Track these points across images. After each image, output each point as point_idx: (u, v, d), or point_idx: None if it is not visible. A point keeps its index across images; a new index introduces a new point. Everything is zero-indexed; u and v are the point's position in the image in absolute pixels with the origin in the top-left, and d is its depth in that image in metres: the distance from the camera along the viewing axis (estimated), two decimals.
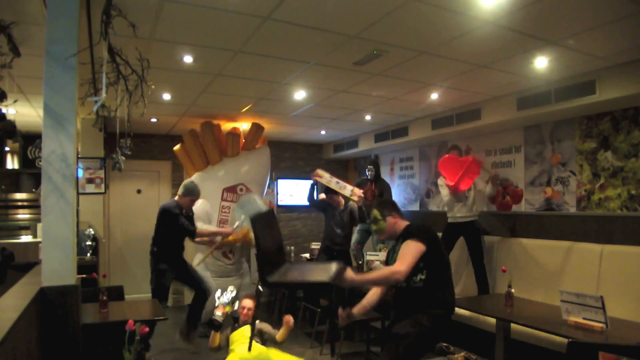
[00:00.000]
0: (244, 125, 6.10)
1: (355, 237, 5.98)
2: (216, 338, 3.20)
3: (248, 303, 3.37)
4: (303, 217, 7.86)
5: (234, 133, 5.52)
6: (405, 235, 2.72)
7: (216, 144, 5.46)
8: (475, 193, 4.91)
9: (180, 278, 4.62)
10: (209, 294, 4.57)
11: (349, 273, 2.33)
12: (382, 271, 2.57)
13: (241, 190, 5.39)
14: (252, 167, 5.52)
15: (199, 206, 5.06)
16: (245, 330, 3.19)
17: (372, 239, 6.01)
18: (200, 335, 4.97)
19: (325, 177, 5.23)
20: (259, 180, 5.61)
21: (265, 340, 3.29)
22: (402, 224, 2.87)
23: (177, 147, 5.77)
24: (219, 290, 3.41)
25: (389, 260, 2.88)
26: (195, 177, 5.34)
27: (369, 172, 5.91)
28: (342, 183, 5.13)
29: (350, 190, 5.08)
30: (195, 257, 5.37)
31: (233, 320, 3.40)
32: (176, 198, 4.57)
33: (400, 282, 2.54)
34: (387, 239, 2.98)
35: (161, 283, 4.41)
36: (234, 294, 3.37)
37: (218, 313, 3.20)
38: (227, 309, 3.28)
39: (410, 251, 2.55)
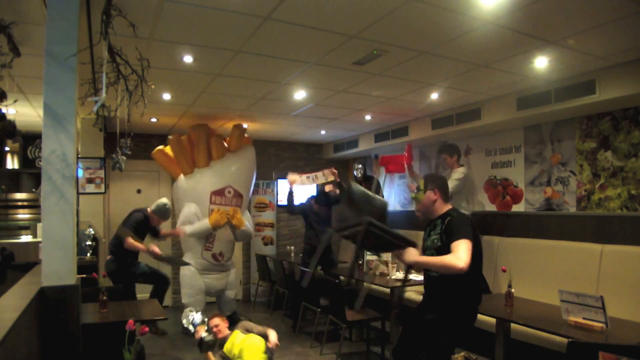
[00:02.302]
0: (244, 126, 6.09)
1: None
2: (211, 358, 3.20)
3: (216, 321, 3.36)
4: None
5: (217, 135, 5.42)
6: (452, 227, 2.61)
7: (206, 148, 5.36)
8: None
9: (136, 279, 4.98)
10: (168, 282, 5.22)
11: (415, 251, 2.53)
12: (445, 258, 2.51)
13: (229, 192, 5.32)
14: (238, 168, 5.44)
15: (188, 211, 5.19)
16: (234, 338, 3.20)
17: None
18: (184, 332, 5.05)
19: (298, 179, 5.42)
20: (245, 182, 5.55)
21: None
22: (443, 206, 2.77)
23: (155, 151, 5.47)
24: (185, 318, 3.41)
25: (426, 241, 2.80)
26: (183, 182, 5.31)
27: (357, 172, 6.06)
28: (312, 175, 5.38)
29: (322, 176, 5.30)
30: (185, 255, 5.37)
31: (209, 343, 3.33)
32: (148, 209, 5.11)
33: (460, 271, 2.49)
34: (422, 213, 2.87)
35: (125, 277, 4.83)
36: (199, 314, 3.42)
37: (203, 334, 3.23)
38: (202, 327, 3.32)
39: (468, 248, 2.50)
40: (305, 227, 5.85)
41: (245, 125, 5.93)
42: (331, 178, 5.24)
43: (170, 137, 5.35)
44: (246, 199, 5.57)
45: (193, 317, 3.32)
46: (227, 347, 3.17)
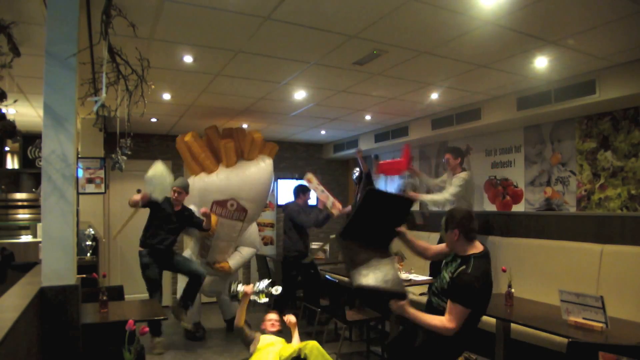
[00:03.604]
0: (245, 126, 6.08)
1: None
2: (243, 313, 3.13)
3: (274, 316, 3.28)
4: None
5: (227, 142, 5.04)
6: (459, 281, 2.49)
7: (210, 153, 5.08)
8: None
9: (168, 268, 4.77)
10: (203, 277, 4.77)
11: (407, 304, 2.54)
12: (434, 321, 2.49)
13: (232, 205, 4.93)
14: (246, 181, 5.00)
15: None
16: (273, 344, 3.08)
17: None
18: (191, 338, 5.00)
19: (314, 183, 5.40)
20: (254, 196, 5.06)
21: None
22: (467, 246, 2.61)
23: (179, 140, 5.21)
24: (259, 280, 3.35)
25: (442, 270, 2.73)
26: (193, 182, 5.10)
27: (355, 172, 6.15)
28: (327, 193, 5.37)
29: (331, 203, 5.30)
30: (184, 252, 5.36)
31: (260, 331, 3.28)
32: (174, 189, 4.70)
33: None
34: (450, 249, 2.80)
35: (146, 276, 4.56)
36: (272, 288, 3.34)
37: (240, 288, 3.18)
38: (261, 296, 3.24)
39: (460, 314, 2.45)
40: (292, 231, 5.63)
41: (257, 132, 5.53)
42: (334, 211, 5.30)
43: (177, 138, 5.22)
44: (253, 213, 5.22)
45: (261, 284, 3.30)
46: (263, 342, 3.06)
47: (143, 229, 4.71)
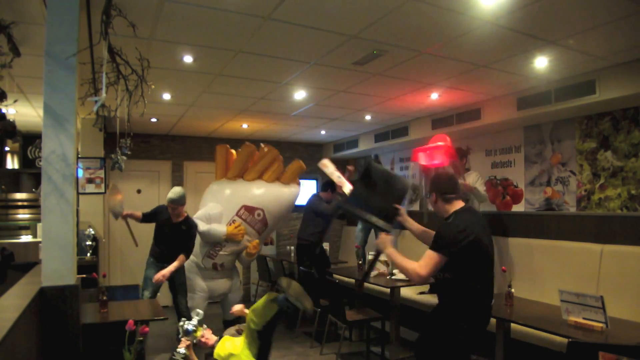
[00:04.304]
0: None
1: (357, 237, 6.04)
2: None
3: (200, 332, 3.11)
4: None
5: (279, 161, 5.39)
6: (436, 232, 2.59)
7: (266, 167, 5.34)
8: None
9: (170, 282, 4.58)
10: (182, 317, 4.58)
11: (388, 239, 2.67)
12: (408, 264, 2.52)
13: (258, 215, 5.19)
14: (278, 199, 5.33)
15: (213, 208, 5.07)
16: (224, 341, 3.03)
17: (357, 238, 6.05)
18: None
19: (330, 168, 5.34)
20: (277, 215, 5.40)
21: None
22: (447, 206, 2.66)
23: (221, 146, 5.45)
24: (182, 320, 3.13)
25: None
26: (224, 183, 5.27)
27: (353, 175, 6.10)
28: (343, 179, 5.28)
29: (349, 189, 5.21)
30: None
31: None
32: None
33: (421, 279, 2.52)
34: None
35: (146, 273, 4.53)
36: (200, 316, 3.15)
37: (182, 351, 2.94)
38: (197, 334, 3.05)
39: (431, 259, 2.47)
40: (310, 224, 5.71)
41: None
42: (344, 184, 5.25)
43: (246, 143, 5.27)
44: (270, 230, 5.49)
45: (186, 326, 3.17)
46: (217, 352, 3.02)
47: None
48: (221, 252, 5.03)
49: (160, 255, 4.52)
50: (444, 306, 2.63)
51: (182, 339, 3.00)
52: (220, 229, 4.93)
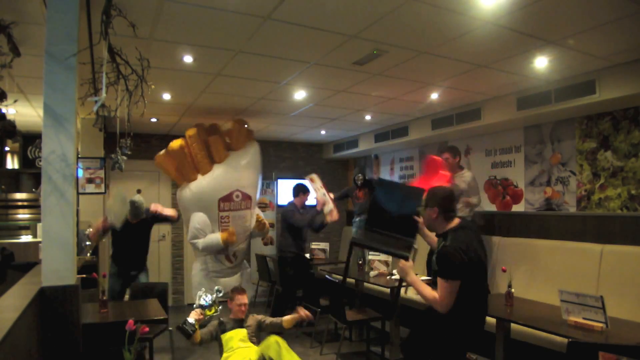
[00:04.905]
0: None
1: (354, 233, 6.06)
2: (197, 335, 2.99)
3: (244, 299, 3.20)
4: None
5: (215, 136, 5.11)
6: (440, 257, 2.51)
7: (206, 152, 5.09)
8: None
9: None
10: None
11: (408, 265, 2.69)
12: (429, 294, 2.51)
13: (237, 196, 5.07)
14: (243, 169, 5.15)
15: (197, 222, 5.04)
16: (241, 334, 3.08)
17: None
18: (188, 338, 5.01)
19: (317, 183, 5.30)
20: (253, 182, 5.26)
21: (264, 329, 3.20)
22: (445, 223, 2.61)
23: (157, 157, 5.23)
24: (202, 289, 3.18)
25: (430, 262, 2.85)
26: (188, 190, 5.10)
27: (358, 180, 6.09)
28: (328, 198, 5.19)
29: (329, 209, 5.06)
30: (193, 266, 5.35)
31: (219, 322, 3.18)
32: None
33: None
34: (427, 227, 2.84)
35: (109, 286, 4.44)
36: (221, 294, 3.17)
37: (190, 320, 2.96)
38: (209, 312, 3.08)
39: (446, 288, 2.44)
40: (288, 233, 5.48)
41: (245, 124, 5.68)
42: (328, 218, 5.04)
43: (168, 149, 5.06)
44: (255, 199, 5.45)
45: (202, 301, 3.17)
46: (231, 340, 3.03)
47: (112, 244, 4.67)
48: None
49: (125, 260, 4.49)
50: (441, 317, 2.58)
51: (196, 309, 3.04)
52: (215, 237, 4.96)
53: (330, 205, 5.04)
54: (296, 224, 5.25)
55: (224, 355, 3.03)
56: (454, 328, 2.53)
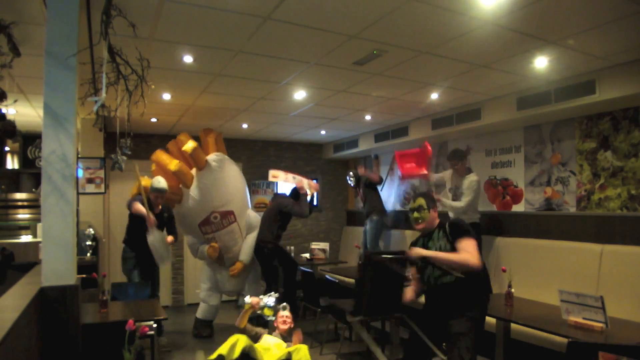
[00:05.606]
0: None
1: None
2: (244, 319, 3.05)
3: (286, 313, 3.18)
4: None
5: (177, 163, 4.59)
6: (455, 229, 2.84)
7: (187, 168, 4.68)
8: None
9: (144, 273, 4.65)
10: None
11: (417, 250, 2.89)
12: (458, 256, 2.73)
13: (215, 218, 4.73)
14: (211, 189, 4.70)
15: (187, 240, 5.18)
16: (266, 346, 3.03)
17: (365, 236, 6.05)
18: (195, 336, 5.01)
19: (281, 176, 5.35)
20: (229, 198, 4.81)
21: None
22: (437, 218, 3.02)
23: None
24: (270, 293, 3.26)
25: (431, 248, 2.94)
26: (176, 214, 4.95)
27: (351, 180, 6.26)
28: (298, 177, 5.35)
29: (307, 183, 5.29)
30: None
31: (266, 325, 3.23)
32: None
33: (472, 270, 2.72)
34: (422, 229, 3.02)
35: (125, 268, 4.66)
36: (279, 305, 3.21)
37: (247, 299, 3.13)
38: (268, 312, 3.14)
39: (473, 246, 2.74)
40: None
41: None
42: (312, 191, 5.33)
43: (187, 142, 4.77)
44: (239, 208, 5.02)
45: (267, 300, 3.18)
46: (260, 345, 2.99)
47: (127, 227, 4.76)
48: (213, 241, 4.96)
49: (142, 247, 4.52)
50: (462, 301, 2.77)
51: (259, 298, 3.17)
52: (204, 253, 5.03)
53: (305, 181, 5.30)
54: (300, 214, 5.31)
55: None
56: (482, 283, 2.87)
